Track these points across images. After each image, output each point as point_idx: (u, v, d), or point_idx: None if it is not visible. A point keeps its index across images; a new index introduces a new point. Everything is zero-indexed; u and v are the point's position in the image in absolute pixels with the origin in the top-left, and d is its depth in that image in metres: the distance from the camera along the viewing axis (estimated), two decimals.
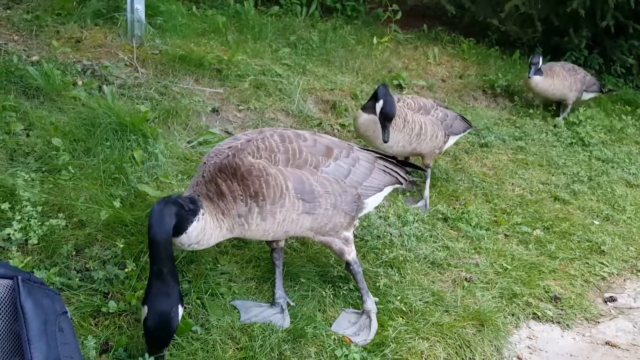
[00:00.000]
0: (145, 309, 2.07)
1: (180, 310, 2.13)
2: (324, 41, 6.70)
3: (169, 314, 2.05)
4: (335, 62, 6.42)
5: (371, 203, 2.86)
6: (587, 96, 6.78)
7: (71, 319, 2.27)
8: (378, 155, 2.93)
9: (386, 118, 3.78)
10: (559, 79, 6.43)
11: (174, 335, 2.14)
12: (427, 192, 4.29)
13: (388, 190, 2.95)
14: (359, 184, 2.72)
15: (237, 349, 2.49)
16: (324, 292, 2.96)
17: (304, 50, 6.41)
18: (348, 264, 2.78)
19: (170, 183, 3.48)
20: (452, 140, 4.48)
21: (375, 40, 7.21)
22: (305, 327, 2.65)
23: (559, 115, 6.74)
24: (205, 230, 2.29)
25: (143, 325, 2.08)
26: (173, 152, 3.83)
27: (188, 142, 4.11)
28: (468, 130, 4.65)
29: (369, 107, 3.95)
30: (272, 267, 2.90)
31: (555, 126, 6.52)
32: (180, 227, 2.21)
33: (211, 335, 2.49)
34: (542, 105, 6.97)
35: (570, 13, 7.37)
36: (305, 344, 2.59)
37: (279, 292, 2.83)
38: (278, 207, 2.41)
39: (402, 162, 3.07)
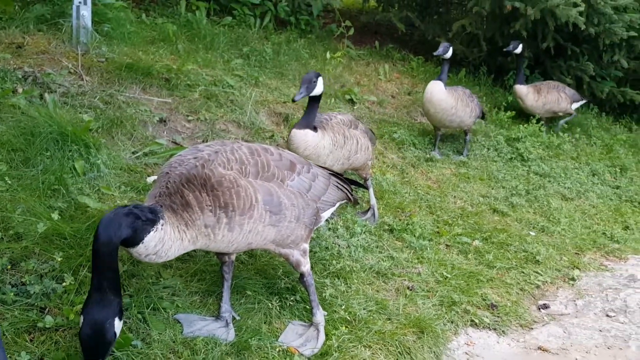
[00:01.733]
0: (81, 319, 2.05)
1: (118, 323, 2.09)
2: (277, 54, 6.75)
3: (104, 325, 2.02)
4: (288, 75, 6.47)
5: (325, 217, 2.97)
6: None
7: (4, 334, 2.20)
8: (331, 173, 3.06)
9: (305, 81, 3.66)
10: (462, 104, 5.77)
11: (111, 347, 2.09)
12: (373, 200, 4.35)
13: (337, 205, 3.07)
14: (318, 198, 2.83)
15: None
16: (270, 304, 2.98)
17: (257, 62, 6.43)
18: (302, 276, 2.84)
19: (113, 195, 3.41)
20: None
21: (328, 55, 7.32)
22: (250, 340, 2.66)
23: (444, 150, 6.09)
24: (164, 241, 2.27)
25: (78, 335, 2.05)
26: (116, 163, 3.76)
27: (133, 153, 4.04)
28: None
29: (303, 123, 3.70)
30: (221, 280, 2.89)
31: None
32: (136, 238, 2.18)
33: (152, 349, 2.45)
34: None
35: (514, 34, 7.66)
36: (249, 356, 2.60)
37: (225, 305, 2.84)
38: (247, 218, 2.45)
39: (348, 180, 3.19)
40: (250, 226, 2.47)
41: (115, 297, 2.07)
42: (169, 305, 2.76)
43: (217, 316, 2.81)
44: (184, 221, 2.34)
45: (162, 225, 2.26)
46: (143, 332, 2.55)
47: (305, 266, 2.80)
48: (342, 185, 3.06)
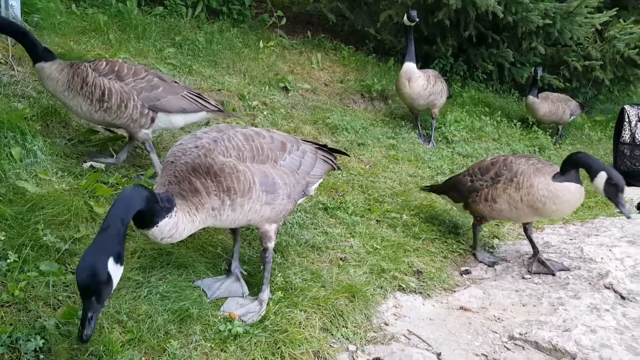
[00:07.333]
0: None
1: (114, 265, 2.07)
2: (210, 43, 6.81)
3: (95, 262, 2.01)
4: (222, 63, 6.56)
5: (313, 189, 3.24)
6: None
7: None
8: (317, 146, 3.30)
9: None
10: None
11: (107, 288, 2.07)
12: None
13: (324, 176, 3.35)
14: (307, 173, 3.08)
15: (124, 332, 2.60)
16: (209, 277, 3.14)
17: (190, 51, 6.48)
18: (266, 251, 3.06)
19: (50, 180, 3.46)
20: (167, 117, 3.97)
21: (261, 44, 7.45)
22: (191, 308, 2.82)
23: None
24: (177, 226, 2.50)
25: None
26: (52, 150, 3.79)
27: (69, 140, 4.07)
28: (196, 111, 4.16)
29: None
30: (233, 242, 3.28)
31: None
32: (150, 219, 2.38)
33: (98, 320, 2.56)
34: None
35: (438, 23, 7.98)
36: (191, 324, 2.76)
37: (235, 262, 3.22)
38: (246, 199, 2.71)
39: (331, 149, 3.44)
40: (250, 206, 2.74)
41: (114, 243, 2.07)
42: None
43: (228, 273, 3.19)
44: (194, 205, 2.58)
45: (175, 212, 2.48)
46: None
47: (273, 242, 3.04)
48: (328, 157, 3.34)
